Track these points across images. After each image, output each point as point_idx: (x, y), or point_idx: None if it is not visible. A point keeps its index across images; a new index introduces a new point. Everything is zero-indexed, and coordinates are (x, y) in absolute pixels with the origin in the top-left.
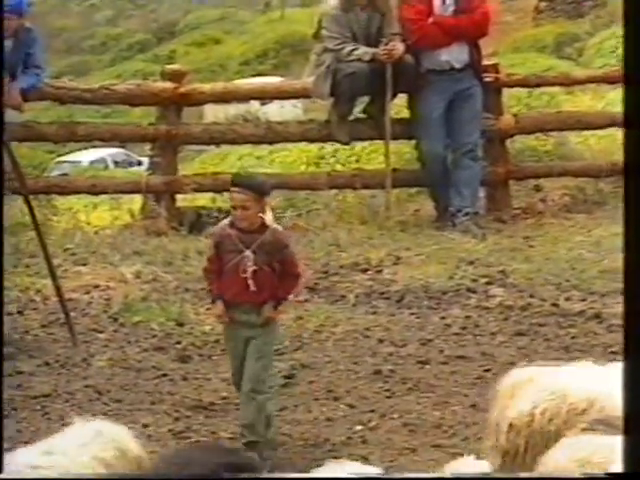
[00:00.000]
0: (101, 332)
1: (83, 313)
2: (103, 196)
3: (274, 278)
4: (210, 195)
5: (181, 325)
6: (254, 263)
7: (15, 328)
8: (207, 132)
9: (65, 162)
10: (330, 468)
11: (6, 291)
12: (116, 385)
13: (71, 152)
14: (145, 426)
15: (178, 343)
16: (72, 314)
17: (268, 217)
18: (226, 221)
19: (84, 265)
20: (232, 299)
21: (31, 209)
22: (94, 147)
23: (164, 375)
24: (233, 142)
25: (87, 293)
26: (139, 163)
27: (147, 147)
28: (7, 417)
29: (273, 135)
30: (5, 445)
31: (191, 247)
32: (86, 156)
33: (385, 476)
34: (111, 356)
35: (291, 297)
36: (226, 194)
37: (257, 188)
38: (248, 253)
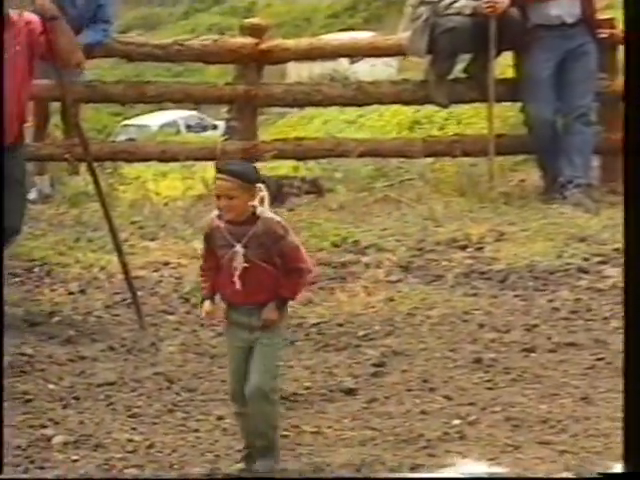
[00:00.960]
0: (171, 314)
1: (152, 293)
2: (174, 164)
3: (276, 275)
4: (292, 163)
5: None
6: (245, 259)
7: (76, 309)
8: (290, 93)
9: (132, 126)
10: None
11: (67, 268)
12: (188, 373)
13: (139, 115)
14: (220, 418)
15: None
16: (140, 294)
17: (260, 207)
18: (215, 211)
19: (153, 240)
20: (229, 300)
21: (95, 177)
22: (164, 109)
23: None
24: (318, 104)
25: (156, 271)
26: (214, 127)
27: (223, 109)
28: (68, 407)
29: (363, 97)
30: (68, 438)
31: None
32: (155, 119)
33: (384, 476)
34: (182, 340)
35: (299, 296)
36: (310, 162)
37: (243, 175)
38: (238, 248)
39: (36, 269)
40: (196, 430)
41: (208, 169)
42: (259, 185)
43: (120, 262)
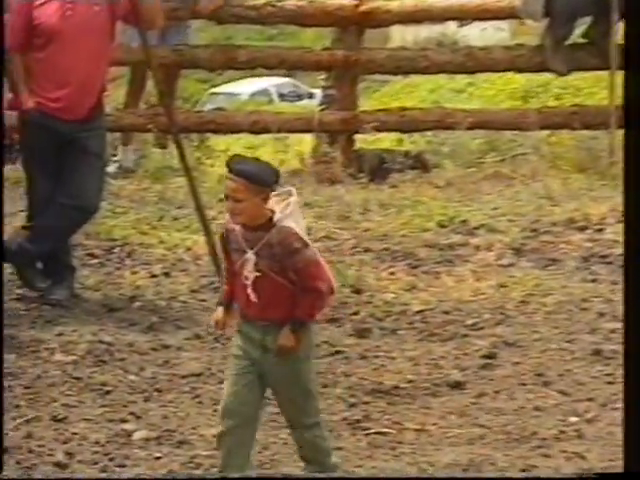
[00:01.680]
0: None
1: None
2: (266, 136)
3: (292, 291)
4: (395, 135)
5: (359, 292)
6: (256, 268)
7: (160, 293)
8: (393, 59)
9: (221, 94)
10: None
11: (150, 248)
12: None
13: (228, 82)
14: None
15: (355, 314)
16: None
17: (280, 213)
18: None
19: None
20: (242, 310)
21: (181, 150)
22: (256, 76)
23: (338, 352)
24: (424, 71)
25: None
26: (309, 96)
27: (320, 77)
28: (150, 400)
29: (473, 63)
30: (150, 433)
31: (372, 198)
32: (246, 87)
33: (382, 476)
34: None
35: (317, 318)
36: (415, 135)
37: (252, 176)
38: (249, 255)
39: (116, 250)
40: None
41: (304, 142)
42: (289, 189)
43: (207, 243)
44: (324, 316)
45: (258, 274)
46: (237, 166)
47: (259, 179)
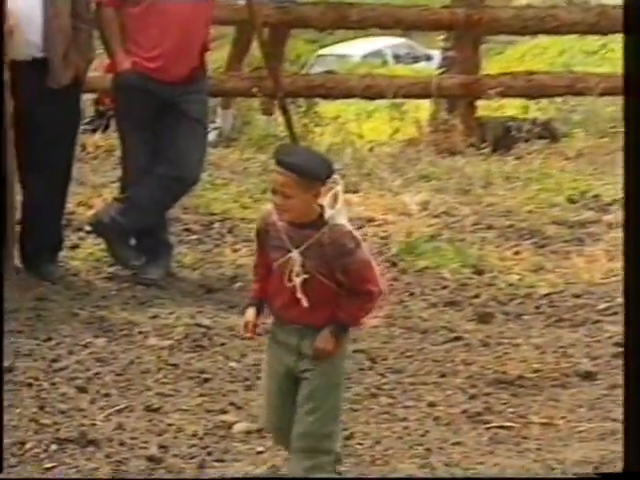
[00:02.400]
0: None
1: None
2: (380, 101)
3: (336, 294)
4: (521, 102)
5: (480, 273)
6: (303, 270)
7: None
8: (519, 18)
9: (331, 56)
10: None
11: (253, 224)
12: (395, 351)
13: (339, 42)
14: (432, 405)
15: (476, 297)
16: None
17: (331, 209)
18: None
19: (354, 192)
20: (277, 313)
21: (287, 116)
22: (369, 36)
23: (457, 338)
24: (553, 31)
25: (358, 228)
26: (427, 58)
27: (439, 37)
28: (252, 389)
29: (607, 23)
30: (251, 425)
31: (495, 170)
32: (358, 48)
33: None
34: (389, 312)
35: (364, 323)
36: (543, 101)
37: (303, 170)
38: (295, 255)
39: (216, 225)
40: (403, 419)
41: (421, 108)
42: (333, 178)
43: None
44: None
45: (306, 276)
46: (286, 158)
47: (311, 174)
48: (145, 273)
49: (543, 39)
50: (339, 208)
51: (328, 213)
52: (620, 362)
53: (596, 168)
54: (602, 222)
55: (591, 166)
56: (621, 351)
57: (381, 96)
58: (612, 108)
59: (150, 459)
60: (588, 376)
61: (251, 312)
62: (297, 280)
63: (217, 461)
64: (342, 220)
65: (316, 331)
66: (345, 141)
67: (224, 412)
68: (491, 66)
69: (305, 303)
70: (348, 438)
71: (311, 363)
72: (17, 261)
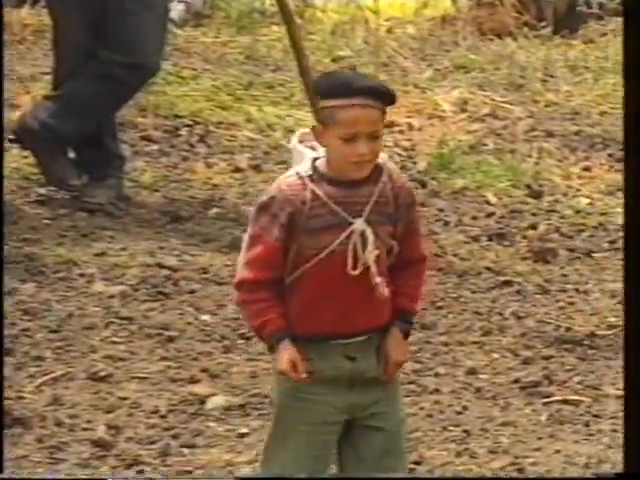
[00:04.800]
0: None
1: None
2: None
3: (389, 270)
4: None
5: (538, 196)
6: (376, 243)
7: (247, 195)
8: None
9: None
10: None
11: (233, 130)
12: (423, 299)
13: None
14: (472, 372)
15: (532, 228)
16: None
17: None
18: (301, 171)
19: None
20: (327, 328)
21: None
22: None
23: (506, 283)
24: None
25: None
26: None
27: None
28: (231, 351)
29: None
30: (232, 399)
31: (557, 58)
32: None
33: (384, 476)
34: None
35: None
36: None
37: (392, 94)
38: (360, 224)
39: (184, 132)
40: (435, 391)
41: None
42: None
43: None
44: None
45: (378, 251)
46: (364, 83)
47: (394, 97)
48: (88, 195)
49: None
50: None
51: (381, 155)
52: None
53: None
54: None
55: None
56: None
57: None
58: None
59: (96, 444)
60: None
61: (289, 346)
62: (371, 258)
63: (185, 446)
64: (389, 162)
65: (377, 337)
66: (354, 19)
67: (194, 382)
68: None
69: (385, 292)
70: None
71: (381, 393)
72: None
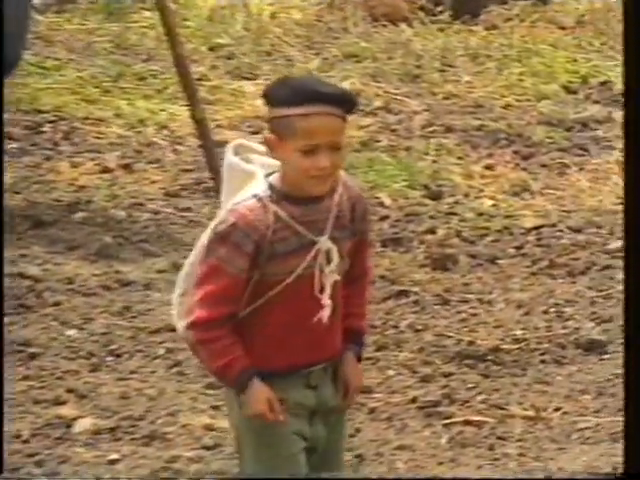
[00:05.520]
0: None
1: None
2: None
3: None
4: None
5: (436, 198)
6: (338, 267)
7: (117, 198)
8: None
9: None
10: None
11: (101, 126)
12: None
13: None
14: (365, 392)
15: (431, 232)
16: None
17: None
18: (258, 192)
19: (250, 79)
20: (295, 359)
21: None
22: None
23: (403, 293)
24: None
25: (253, 133)
26: None
27: None
28: (100, 369)
29: None
30: (101, 422)
31: (456, 46)
32: None
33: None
34: None
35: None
36: None
37: (354, 101)
38: (324, 243)
39: (47, 128)
40: None
41: None
42: None
43: (193, 117)
44: None
45: (338, 277)
46: (323, 89)
47: (355, 103)
48: None
49: None
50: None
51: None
52: None
53: (604, 42)
54: (614, 121)
55: (598, 39)
56: None
57: None
58: None
59: None
60: (594, 347)
61: (261, 385)
62: (330, 280)
63: (50, 474)
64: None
65: (332, 363)
66: (235, 3)
67: (60, 403)
68: None
69: (329, 316)
70: None
71: (336, 420)
72: None
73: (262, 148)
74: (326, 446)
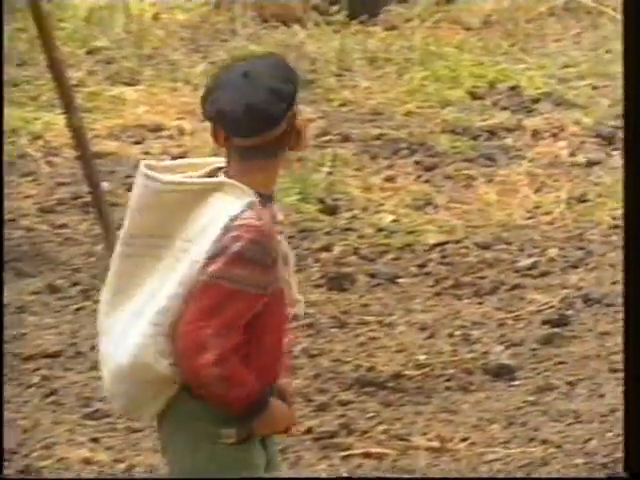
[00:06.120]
0: None
1: (124, 183)
2: None
3: None
4: None
5: (332, 212)
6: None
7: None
8: None
9: None
10: None
11: None
12: None
13: None
14: None
15: (327, 250)
16: (107, 185)
17: None
18: (251, 199)
19: (132, 84)
20: (277, 374)
21: None
22: None
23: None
24: None
25: (138, 143)
26: None
27: None
28: None
29: None
30: None
31: (354, 48)
32: None
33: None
34: None
35: None
36: None
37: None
38: (286, 246)
39: None
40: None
41: None
42: None
43: (70, 126)
44: None
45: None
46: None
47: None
48: None
49: None
50: None
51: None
52: (553, 350)
53: (513, 44)
54: (524, 129)
55: (506, 40)
56: (555, 333)
57: None
58: None
59: None
60: (503, 373)
61: (280, 404)
62: (294, 281)
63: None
64: None
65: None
66: (114, 3)
67: None
68: None
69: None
70: None
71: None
72: None
73: (169, 163)
74: (269, 468)
